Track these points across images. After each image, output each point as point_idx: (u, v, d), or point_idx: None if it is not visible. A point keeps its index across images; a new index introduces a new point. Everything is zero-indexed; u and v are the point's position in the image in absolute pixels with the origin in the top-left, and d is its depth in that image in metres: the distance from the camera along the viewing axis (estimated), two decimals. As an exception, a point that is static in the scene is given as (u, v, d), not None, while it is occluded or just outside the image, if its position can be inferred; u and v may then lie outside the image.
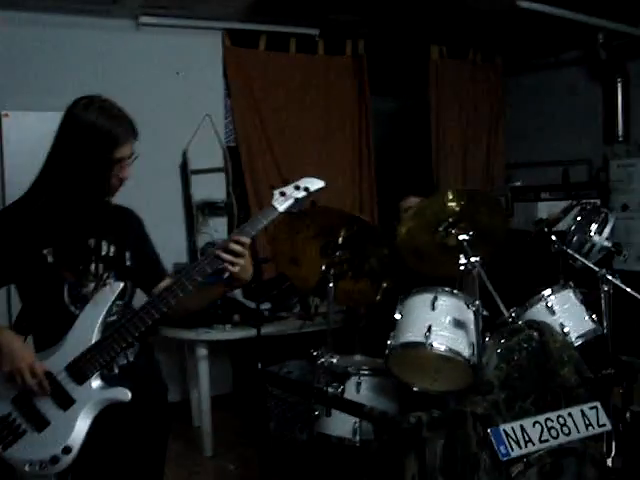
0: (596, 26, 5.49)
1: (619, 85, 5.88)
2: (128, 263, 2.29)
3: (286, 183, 2.27)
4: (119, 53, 5.21)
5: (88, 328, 2.14)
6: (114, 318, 2.21)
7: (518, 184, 5.88)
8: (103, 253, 2.24)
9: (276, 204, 2.20)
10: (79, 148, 2.12)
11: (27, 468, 2.08)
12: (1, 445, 2.08)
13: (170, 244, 5.27)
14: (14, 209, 2.21)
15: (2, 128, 4.82)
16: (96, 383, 2.12)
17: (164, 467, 2.44)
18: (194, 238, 5.36)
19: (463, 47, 6.45)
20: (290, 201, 2.21)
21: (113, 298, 2.17)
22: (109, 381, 2.15)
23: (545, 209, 5.29)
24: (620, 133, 5.90)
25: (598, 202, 5.40)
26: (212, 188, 5.45)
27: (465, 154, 6.45)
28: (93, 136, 2.12)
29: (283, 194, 2.21)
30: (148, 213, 5.05)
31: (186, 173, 5.37)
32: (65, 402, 2.10)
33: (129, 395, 2.12)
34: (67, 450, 2.07)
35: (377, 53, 6.09)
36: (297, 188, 2.23)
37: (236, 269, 2.15)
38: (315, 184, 2.27)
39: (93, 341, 2.12)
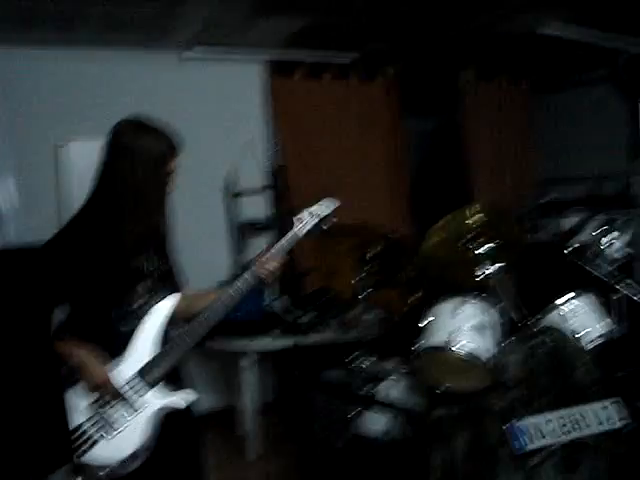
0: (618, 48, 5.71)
1: (640, 103, 6.06)
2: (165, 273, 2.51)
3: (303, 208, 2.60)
4: (165, 84, 5.56)
5: (146, 344, 2.36)
6: (166, 331, 2.43)
7: (548, 200, 6.07)
8: (149, 270, 2.44)
9: (297, 230, 2.55)
10: (137, 169, 2.30)
11: (102, 473, 2.24)
12: (76, 453, 2.22)
13: (214, 263, 5.64)
14: (66, 233, 2.35)
15: (58, 159, 5.20)
16: (158, 392, 2.35)
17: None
18: (237, 257, 5.68)
19: (492, 70, 6.70)
20: (308, 227, 2.55)
21: (170, 310, 2.42)
22: (168, 389, 2.38)
23: (570, 223, 5.46)
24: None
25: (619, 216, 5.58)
26: (254, 209, 5.78)
27: (497, 172, 6.67)
28: (150, 157, 2.32)
29: (300, 220, 2.56)
30: (194, 233, 5.49)
31: (230, 195, 5.71)
32: (133, 410, 2.31)
33: (190, 399, 2.40)
34: (136, 455, 2.28)
35: (411, 76, 6.37)
36: (311, 215, 2.58)
37: (271, 280, 2.50)
38: (325, 210, 2.61)
39: (151, 355, 2.36)
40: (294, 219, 2.57)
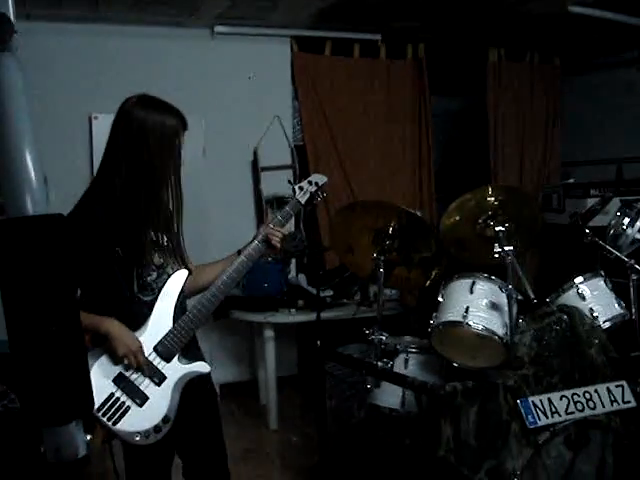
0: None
1: (673, 85, 6.01)
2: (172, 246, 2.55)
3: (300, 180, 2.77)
4: (196, 59, 5.65)
5: (165, 313, 2.43)
6: (182, 301, 2.52)
7: (571, 181, 6.08)
8: (160, 243, 2.49)
9: (298, 197, 2.70)
10: (149, 143, 2.33)
11: (137, 438, 2.32)
12: (111, 421, 2.30)
13: (241, 235, 5.66)
14: (83, 211, 2.36)
15: (93, 130, 5.33)
16: (180, 360, 2.44)
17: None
18: (263, 230, 5.77)
19: (521, 49, 6.67)
20: (307, 195, 2.70)
21: (182, 285, 2.48)
22: (189, 357, 2.48)
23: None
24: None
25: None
26: (280, 184, 5.85)
27: (522, 152, 6.67)
28: (163, 131, 2.36)
29: (301, 188, 2.70)
30: (221, 207, 5.58)
31: (257, 169, 5.80)
32: (159, 378, 2.39)
33: (208, 367, 2.49)
34: (166, 420, 2.37)
35: (438, 55, 6.38)
36: (310, 183, 2.72)
37: (279, 246, 2.61)
38: (322, 179, 2.77)
39: (171, 324, 2.43)
40: (295, 187, 2.70)
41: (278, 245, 2.59)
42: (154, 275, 2.45)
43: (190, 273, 2.52)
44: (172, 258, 2.52)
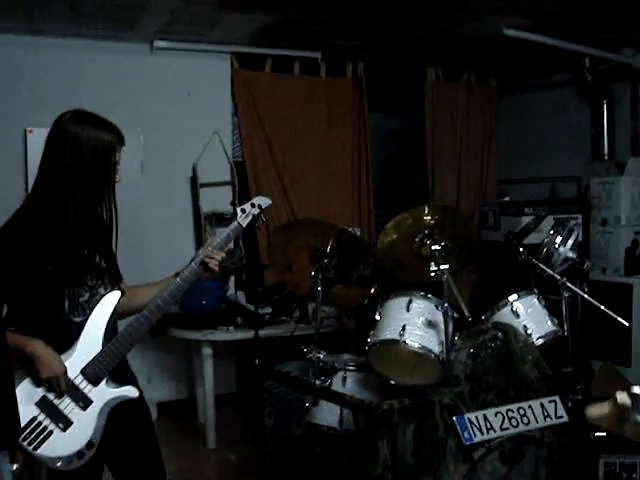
0: (581, 52, 5.84)
1: (605, 106, 6.19)
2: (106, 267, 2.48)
3: (243, 202, 2.68)
4: (134, 74, 5.60)
5: (95, 335, 2.36)
6: (113, 323, 2.46)
7: (507, 199, 6.21)
8: (94, 262, 2.43)
9: (240, 220, 2.62)
10: (83, 160, 2.29)
11: (58, 464, 2.27)
12: (32, 446, 2.24)
13: (180, 251, 5.66)
14: (15, 227, 2.30)
15: (27, 144, 5.21)
16: (108, 384, 2.37)
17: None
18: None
19: (458, 69, 6.80)
20: (249, 218, 2.63)
21: (114, 306, 2.41)
22: (118, 381, 2.41)
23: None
24: (606, 152, 6.20)
25: (579, 217, 5.74)
26: (219, 200, 5.82)
27: (459, 170, 6.78)
28: (97, 147, 2.31)
29: (244, 211, 2.63)
30: (160, 223, 5.52)
31: (196, 186, 5.75)
32: (85, 402, 2.33)
33: (137, 392, 2.42)
34: (90, 445, 2.31)
35: (377, 73, 6.45)
36: (252, 205, 2.65)
37: (217, 269, 2.54)
38: (265, 202, 2.70)
39: (100, 347, 2.36)
40: (237, 209, 2.65)
41: (216, 269, 2.53)
42: (86, 296, 2.39)
43: (123, 294, 2.46)
44: (105, 278, 2.47)
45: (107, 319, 2.40)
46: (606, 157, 6.18)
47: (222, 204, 5.84)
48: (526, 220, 5.55)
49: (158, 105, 5.62)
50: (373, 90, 6.46)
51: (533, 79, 6.93)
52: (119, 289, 2.46)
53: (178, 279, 2.48)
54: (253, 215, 2.64)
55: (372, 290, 3.80)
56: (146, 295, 2.52)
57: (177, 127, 5.67)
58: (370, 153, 6.44)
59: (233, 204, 2.77)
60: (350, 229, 3.68)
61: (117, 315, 2.47)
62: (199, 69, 5.81)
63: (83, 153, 2.30)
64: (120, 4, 4.57)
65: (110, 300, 2.42)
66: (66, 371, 2.30)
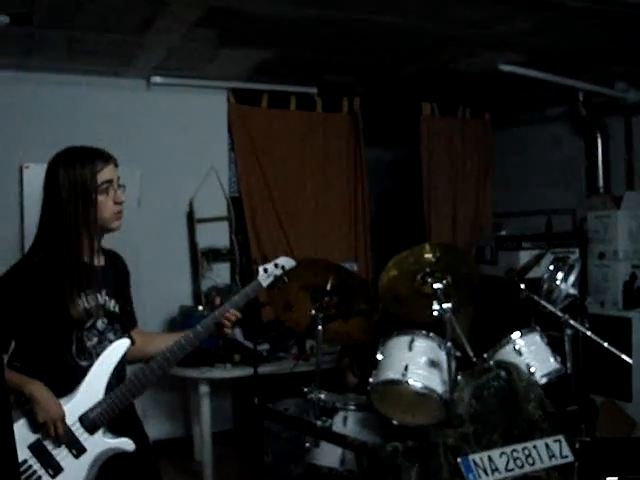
0: (575, 87, 5.89)
1: (599, 140, 6.23)
2: (119, 313, 2.46)
3: (266, 260, 2.68)
4: (131, 109, 5.59)
5: (99, 382, 2.31)
6: (120, 371, 2.41)
7: (503, 234, 6.21)
8: (106, 308, 2.40)
9: (261, 280, 2.58)
10: (65, 193, 2.29)
11: None
12: None
13: (176, 288, 5.67)
14: (25, 265, 2.33)
15: (23, 179, 5.19)
16: (105, 434, 2.31)
17: None
18: (199, 283, 5.70)
19: (453, 104, 6.84)
20: (271, 278, 2.59)
21: (122, 354, 2.36)
22: (115, 432, 2.34)
23: (526, 257, 5.56)
24: (601, 185, 6.23)
25: (577, 251, 5.74)
26: (216, 235, 5.81)
27: (455, 204, 6.79)
28: (72, 166, 2.30)
29: (266, 270, 2.58)
30: (156, 259, 5.49)
31: (192, 221, 5.73)
32: (78, 450, 2.27)
33: (133, 445, 2.34)
34: None
35: (373, 108, 6.48)
36: (276, 266, 2.60)
37: (230, 331, 2.54)
38: (289, 263, 2.64)
39: (102, 394, 2.31)
40: (260, 269, 2.60)
41: (229, 331, 2.52)
42: (94, 340, 2.36)
43: (133, 343, 2.43)
44: (116, 323, 2.44)
45: (113, 366, 2.35)
46: (601, 190, 6.19)
47: (219, 240, 5.84)
48: (524, 255, 5.57)
49: (155, 140, 5.62)
50: (368, 124, 6.48)
51: (527, 113, 6.98)
52: (129, 336, 2.43)
53: (191, 334, 2.45)
54: (275, 276, 2.60)
55: (375, 319, 3.77)
56: (158, 345, 2.50)
57: (174, 162, 5.66)
58: (366, 187, 6.45)
59: (255, 262, 2.71)
60: (347, 265, 3.66)
61: (126, 362, 2.43)
62: (196, 105, 5.82)
63: (63, 194, 2.30)
64: (118, 41, 4.58)
65: (118, 347, 2.38)
66: (64, 417, 2.25)
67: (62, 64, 5.13)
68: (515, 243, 5.75)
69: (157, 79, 5.56)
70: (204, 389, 4.95)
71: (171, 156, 5.68)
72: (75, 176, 2.32)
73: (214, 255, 5.72)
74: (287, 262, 2.65)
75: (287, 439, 4.85)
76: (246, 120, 5.97)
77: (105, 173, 2.37)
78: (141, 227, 5.32)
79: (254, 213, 5.97)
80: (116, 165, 2.43)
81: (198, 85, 5.75)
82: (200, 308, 5.44)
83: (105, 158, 2.40)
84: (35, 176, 5.24)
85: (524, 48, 4.98)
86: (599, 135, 6.23)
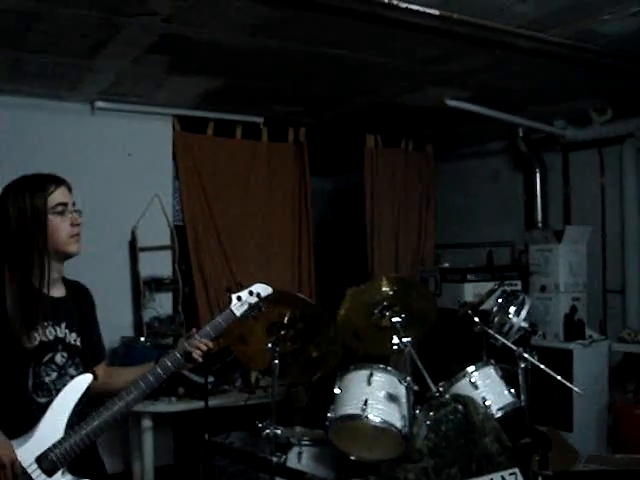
0: (516, 123, 6.04)
1: (537, 175, 6.38)
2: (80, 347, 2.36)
3: (241, 287, 2.54)
4: (74, 134, 5.43)
5: (58, 420, 2.18)
6: (82, 408, 2.26)
7: (446, 265, 6.28)
8: (67, 341, 2.30)
9: (234, 309, 2.50)
10: (13, 216, 2.23)
11: None
12: None
13: (117, 318, 5.49)
14: None
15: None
16: (64, 475, 2.17)
17: None
18: (140, 313, 5.55)
19: (396, 136, 6.92)
20: (245, 307, 2.51)
21: (83, 390, 2.25)
22: (76, 473, 2.19)
23: (471, 290, 5.68)
24: (539, 219, 6.37)
25: (519, 284, 5.85)
26: (159, 265, 5.68)
27: (397, 235, 6.83)
28: (21, 195, 2.24)
29: (239, 299, 2.50)
30: (97, 288, 5.24)
31: (134, 250, 5.59)
32: None
33: None
34: None
35: (317, 138, 6.50)
36: (251, 294, 2.52)
37: (200, 360, 2.41)
38: (265, 290, 2.56)
39: (62, 433, 2.17)
40: (233, 297, 2.51)
41: (200, 360, 2.40)
42: (54, 375, 2.25)
43: (95, 378, 2.31)
44: (77, 358, 2.33)
45: (74, 404, 2.23)
46: (540, 224, 6.33)
47: (162, 269, 5.71)
48: (469, 287, 5.65)
49: (98, 166, 5.47)
50: (312, 155, 6.49)
51: (469, 146, 7.11)
52: (92, 371, 2.32)
53: (158, 368, 2.35)
54: (249, 304, 2.51)
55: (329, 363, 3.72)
56: (123, 380, 2.40)
57: (117, 189, 5.51)
58: (311, 217, 6.43)
59: (229, 290, 2.59)
60: (309, 300, 3.62)
61: (87, 399, 2.30)
62: (140, 131, 5.70)
63: (10, 223, 2.24)
64: (66, 64, 4.46)
65: (80, 383, 2.26)
66: (15, 460, 2.08)
67: (3, 85, 4.96)
68: (460, 275, 5.81)
69: (101, 104, 5.43)
70: (147, 424, 4.80)
71: (114, 182, 5.52)
72: (25, 204, 2.25)
73: (156, 285, 5.59)
74: (263, 289, 2.57)
75: (232, 473, 4.75)
76: (191, 148, 5.90)
77: (57, 195, 2.30)
78: (81, 254, 5.12)
79: (198, 242, 5.87)
80: (69, 189, 2.36)
81: (143, 111, 5.64)
82: (142, 339, 5.31)
83: (57, 181, 2.33)
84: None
85: (471, 84, 5.08)
86: (538, 170, 6.37)
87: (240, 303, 2.51)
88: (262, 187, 6.23)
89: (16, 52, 4.19)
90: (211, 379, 5.21)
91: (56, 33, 3.82)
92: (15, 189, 2.29)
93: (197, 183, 5.91)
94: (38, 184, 2.30)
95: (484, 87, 5.15)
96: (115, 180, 5.55)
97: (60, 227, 2.29)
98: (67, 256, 2.36)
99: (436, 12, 3.41)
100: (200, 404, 4.62)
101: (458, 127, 6.45)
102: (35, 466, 2.13)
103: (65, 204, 2.31)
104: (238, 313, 2.50)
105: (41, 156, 5.17)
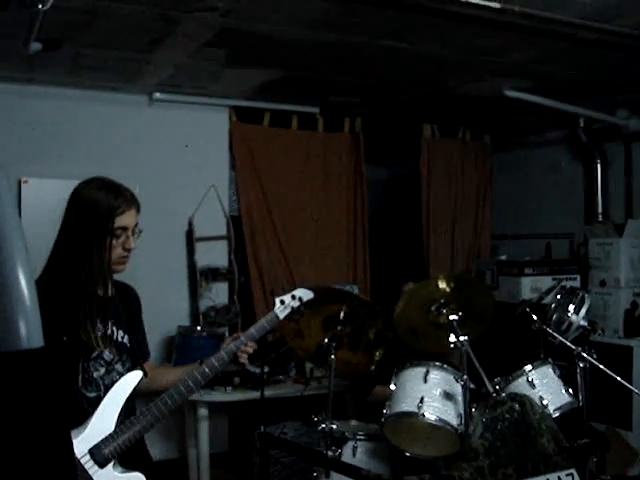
0: (577, 113, 5.91)
1: (598, 166, 6.22)
2: (129, 345, 2.45)
3: (284, 292, 2.59)
4: (132, 125, 5.53)
5: (110, 415, 2.27)
6: (132, 404, 2.37)
7: (503, 258, 6.19)
8: (114, 338, 2.38)
9: (277, 312, 2.54)
10: (82, 220, 2.30)
11: None
12: None
13: (174, 308, 5.59)
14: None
15: (22, 194, 5.11)
16: (115, 467, 2.26)
17: None
18: (197, 302, 5.63)
19: (453, 126, 6.84)
20: (288, 310, 2.55)
21: (134, 386, 2.33)
22: (127, 465, 2.30)
23: (528, 283, 5.59)
24: (600, 211, 6.22)
25: (578, 278, 5.73)
26: (215, 255, 5.74)
27: (454, 227, 6.76)
28: (93, 207, 2.30)
29: (282, 302, 2.54)
30: (154, 277, 5.42)
31: (191, 240, 5.66)
32: None
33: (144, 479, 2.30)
34: None
35: (373, 127, 6.46)
36: (293, 298, 2.56)
37: (246, 363, 2.49)
38: (307, 295, 2.60)
39: (113, 427, 2.26)
40: (276, 300, 2.55)
41: (246, 363, 2.48)
42: (102, 371, 2.33)
43: (145, 375, 2.38)
44: (124, 355, 2.40)
45: (124, 399, 2.31)
46: (600, 216, 6.19)
47: (218, 259, 5.77)
48: (526, 281, 5.57)
49: (155, 157, 5.56)
50: (367, 143, 6.46)
51: (527, 136, 6.98)
52: (142, 369, 2.38)
53: (205, 367, 2.40)
54: (292, 307, 2.55)
55: (377, 355, 3.74)
56: (169, 378, 2.47)
57: (174, 180, 5.59)
58: (366, 208, 6.41)
59: (272, 294, 2.64)
60: (348, 288, 3.61)
61: (135, 395, 2.38)
62: (197, 122, 5.76)
63: (89, 213, 2.30)
64: (125, 58, 4.52)
65: (130, 380, 2.34)
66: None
67: (64, 78, 5.06)
68: (517, 269, 5.72)
69: (159, 95, 5.50)
70: (203, 412, 4.88)
71: (171, 173, 5.61)
72: (93, 218, 2.30)
73: (213, 274, 5.66)
74: (305, 294, 2.60)
75: (286, 464, 4.81)
76: (247, 138, 5.93)
77: (123, 219, 2.34)
78: (138, 245, 5.20)
79: (253, 232, 5.91)
80: (138, 210, 2.40)
81: (200, 102, 5.70)
82: (198, 328, 5.38)
83: (128, 203, 2.37)
84: (34, 190, 5.23)
85: (531, 75, 4.99)
86: (599, 161, 6.22)
87: (283, 306, 2.55)
88: (317, 177, 6.23)
89: (78, 47, 4.26)
90: (266, 369, 5.26)
91: (117, 29, 3.88)
92: (88, 196, 2.34)
93: (253, 173, 5.93)
94: (111, 202, 2.33)
95: (545, 77, 5.06)
96: (172, 171, 5.63)
97: (112, 248, 2.34)
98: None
99: (497, 5, 3.35)
100: (255, 394, 4.67)
101: (516, 117, 6.34)
102: (88, 457, 2.23)
103: (126, 228, 2.35)
104: (281, 316, 2.55)
105: (100, 147, 5.27)
